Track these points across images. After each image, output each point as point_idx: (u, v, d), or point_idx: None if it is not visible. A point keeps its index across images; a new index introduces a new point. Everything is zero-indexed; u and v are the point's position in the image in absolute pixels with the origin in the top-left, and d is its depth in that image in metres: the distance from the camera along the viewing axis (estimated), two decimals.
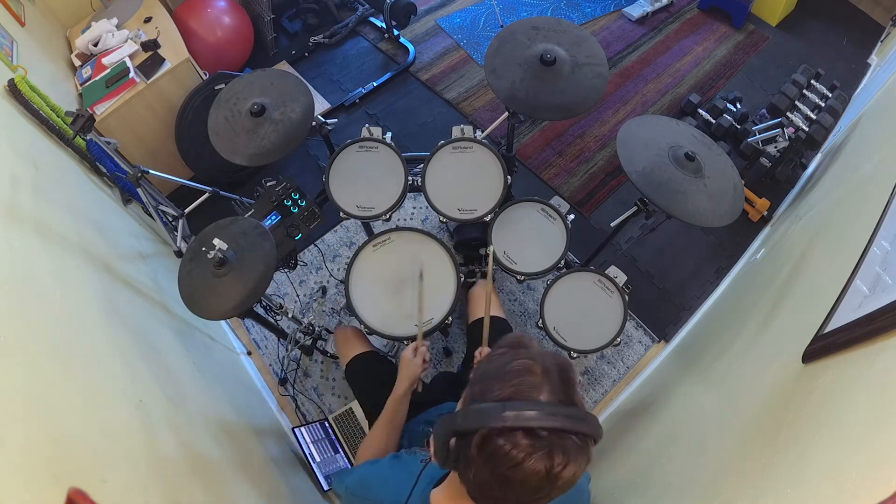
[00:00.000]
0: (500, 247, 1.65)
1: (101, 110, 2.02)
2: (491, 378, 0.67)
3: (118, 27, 2.26)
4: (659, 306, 2.24)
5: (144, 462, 0.95)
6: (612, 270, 1.61)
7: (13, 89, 1.53)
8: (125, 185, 1.91)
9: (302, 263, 2.31)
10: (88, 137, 1.59)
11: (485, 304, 1.27)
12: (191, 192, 1.96)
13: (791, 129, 2.50)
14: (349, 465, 1.82)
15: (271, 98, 1.57)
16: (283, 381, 2.04)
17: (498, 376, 0.67)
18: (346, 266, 1.53)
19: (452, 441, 0.66)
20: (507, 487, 0.62)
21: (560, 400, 0.64)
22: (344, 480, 0.94)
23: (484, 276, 1.69)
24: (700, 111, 2.74)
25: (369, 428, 1.46)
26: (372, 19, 3.23)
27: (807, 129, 2.45)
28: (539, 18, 1.62)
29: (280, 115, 1.55)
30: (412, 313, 1.48)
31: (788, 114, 2.58)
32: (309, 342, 1.95)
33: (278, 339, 2.04)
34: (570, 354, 1.51)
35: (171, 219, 2.00)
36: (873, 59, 3.06)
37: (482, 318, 1.48)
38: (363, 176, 1.67)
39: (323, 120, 1.80)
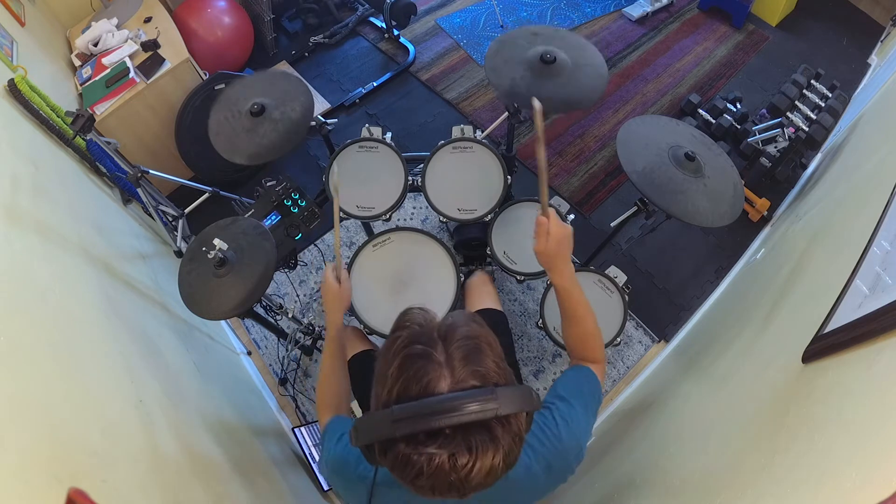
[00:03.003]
0: (500, 247, 1.65)
1: (101, 110, 2.02)
2: (380, 374, 0.61)
3: (118, 27, 2.26)
4: (659, 306, 2.24)
5: (144, 462, 0.95)
6: (612, 270, 1.61)
7: (13, 89, 1.53)
8: (125, 185, 1.91)
9: (302, 263, 2.31)
10: (88, 137, 1.59)
11: (538, 153, 0.96)
12: (191, 192, 1.96)
13: (791, 129, 2.50)
14: None
15: (271, 98, 1.57)
16: (283, 381, 2.04)
17: (383, 372, 0.61)
18: (346, 266, 1.53)
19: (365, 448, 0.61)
20: (424, 489, 0.58)
21: (467, 380, 0.58)
22: (325, 453, 0.90)
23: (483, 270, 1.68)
24: (700, 111, 2.74)
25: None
26: (372, 19, 3.23)
27: (807, 129, 2.45)
28: (538, 27, 1.63)
29: (280, 114, 1.55)
30: None
31: (788, 114, 2.58)
32: (309, 342, 1.95)
33: (278, 339, 2.05)
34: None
35: (171, 219, 2.00)
36: (873, 59, 3.06)
37: (479, 311, 1.49)
38: (363, 176, 1.67)
39: (323, 120, 1.80)
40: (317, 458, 1.76)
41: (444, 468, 0.55)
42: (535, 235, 0.97)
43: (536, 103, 0.90)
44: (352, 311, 1.48)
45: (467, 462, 0.55)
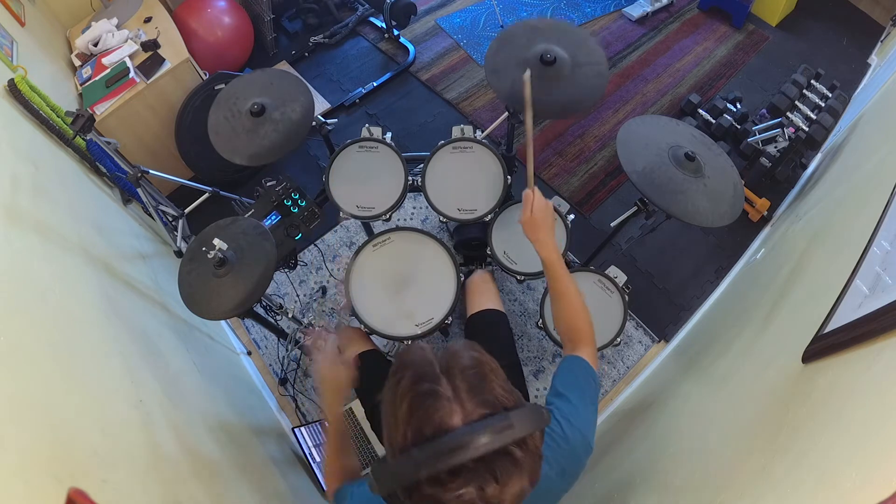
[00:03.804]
0: (500, 247, 1.65)
1: (101, 110, 2.02)
2: (390, 418, 0.60)
3: (118, 27, 2.26)
4: (659, 306, 2.24)
5: (144, 462, 0.95)
6: (612, 270, 1.61)
7: (13, 89, 1.53)
8: (125, 185, 1.91)
9: (302, 263, 2.31)
10: (88, 137, 1.59)
11: (528, 153, 1.12)
12: (191, 192, 1.96)
13: (791, 129, 2.50)
14: None
15: (271, 98, 1.57)
16: (283, 381, 2.04)
17: (393, 416, 0.60)
18: (346, 266, 1.53)
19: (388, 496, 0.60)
20: None
21: (477, 410, 0.57)
22: None
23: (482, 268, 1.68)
24: (700, 111, 2.74)
25: (371, 429, 1.46)
26: (372, 19, 3.23)
27: (807, 129, 2.45)
28: (538, 20, 1.62)
29: (280, 114, 1.55)
30: (412, 313, 1.48)
31: (788, 114, 2.58)
32: (309, 342, 1.95)
33: (278, 339, 2.05)
34: None
35: (171, 219, 2.00)
36: (873, 59, 3.06)
37: (480, 312, 1.49)
38: (363, 176, 1.67)
39: (323, 120, 1.80)
40: (317, 458, 1.76)
41: (473, 502, 0.55)
42: (523, 206, 1.08)
43: (526, 75, 1.01)
44: (352, 311, 1.48)
45: (496, 491, 0.55)
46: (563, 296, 1.04)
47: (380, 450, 1.82)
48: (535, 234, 1.07)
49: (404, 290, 1.51)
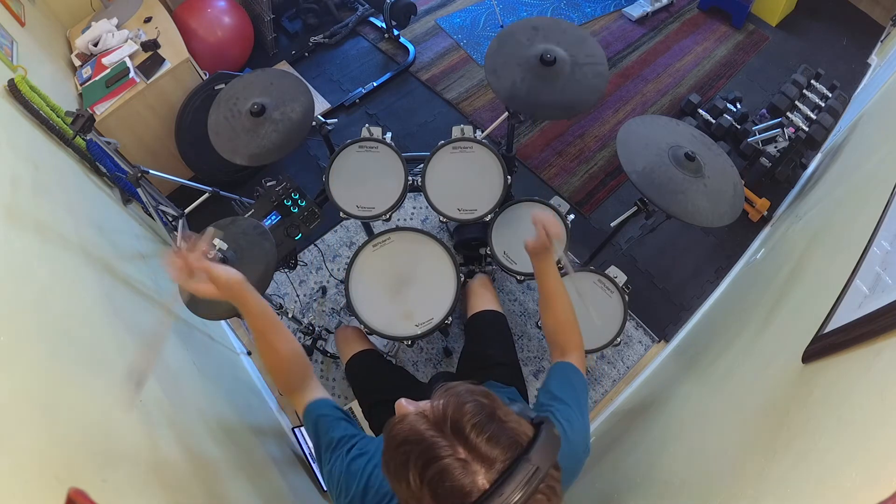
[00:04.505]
0: (500, 247, 1.65)
1: (101, 110, 2.02)
2: (412, 501, 0.57)
3: (118, 27, 2.26)
4: (659, 306, 2.24)
5: (144, 462, 0.95)
6: (612, 270, 1.61)
7: (13, 89, 1.53)
8: (125, 185, 1.91)
9: (302, 263, 2.31)
10: (88, 137, 1.59)
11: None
12: (191, 192, 1.96)
13: (791, 129, 2.50)
14: None
15: (271, 98, 1.57)
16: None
17: (419, 500, 0.56)
18: (346, 266, 1.53)
19: None
20: None
21: (501, 458, 0.55)
22: (337, 462, 0.85)
23: (483, 272, 1.68)
24: (700, 111, 2.74)
25: (370, 428, 1.45)
26: (372, 19, 3.23)
27: (807, 129, 2.45)
28: (538, 19, 1.62)
29: (280, 115, 1.55)
30: (412, 313, 1.48)
31: (788, 114, 2.58)
32: (309, 342, 1.95)
33: None
34: None
35: (171, 219, 2.00)
36: (873, 59, 3.06)
37: (479, 313, 1.49)
38: (363, 176, 1.67)
39: (323, 120, 1.80)
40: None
41: None
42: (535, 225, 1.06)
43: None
44: (351, 310, 1.48)
45: None
46: (552, 297, 1.03)
47: None
48: (540, 254, 1.06)
49: (404, 290, 1.51)
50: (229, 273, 0.84)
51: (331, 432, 0.87)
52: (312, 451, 1.75)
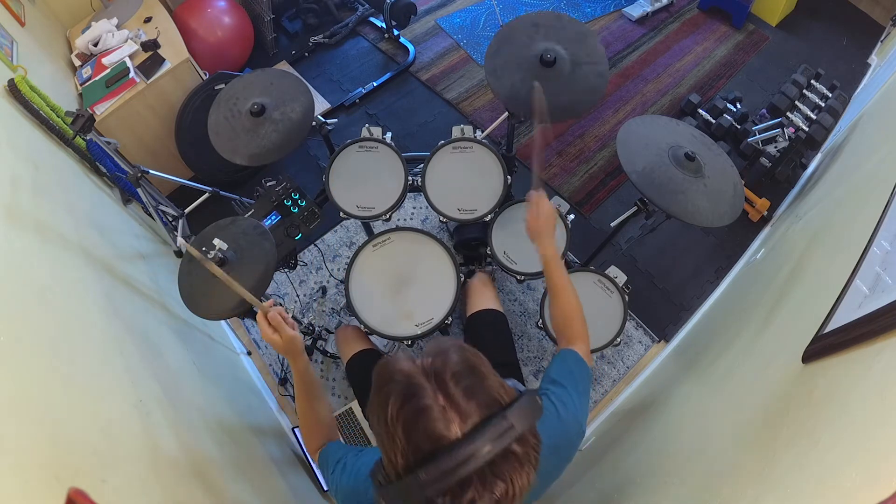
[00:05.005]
0: (500, 247, 1.65)
1: (101, 110, 2.02)
2: (386, 439, 0.58)
3: (118, 27, 2.26)
4: (659, 306, 2.24)
5: (144, 462, 0.95)
6: (612, 270, 1.61)
7: (13, 89, 1.53)
8: (125, 185, 1.91)
9: (302, 263, 2.31)
10: (88, 137, 1.59)
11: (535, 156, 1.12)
12: (191, 192, 1.96)
13: (791, 129, 2.50)
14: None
15: (271, 98, 1.57)
16: (283, 381, 2.04)
17: (389, 437, 0.57)
18: (346, 266, 1.53)
19: None
20: None
21: (476, 412, 0.56)
22: (332, 483, 0.91)
23: (483, 271, 1.68)
24: (700, 111, 2.74)
25: (370, 427, 1.46)
26: (372, 19, 3.23)
27: (807, 129, 2.45)
28: (539, 14, 1.61)
29: (280, 115, 1.55)
30: (412, 313, 1.48)
31: (788, 114, 2.58)
32: (309, 342, 1.95)
33: None
34: None
35: (171, 219, 2.00)
36: (873, 59, 3.06)
37: (479, 312, 1.49)
38: (363, 176, 1.67)
39: (323, 120, 1.80)
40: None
41: (488, 501, 0.55)
42: (527, 210, 1.11)
43: (536, 87, 1.03)
44: (351, 310, 1.48)
45: (506, 490, 0.55)
46: (560, 292, 1.06)
47: None
48: (540, 235, 1.10)
49: (404, 290, 1.51)
50: (295, 332, 1.00)
51: (339, 452, 0.94)
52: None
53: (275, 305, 1.01)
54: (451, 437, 0.55)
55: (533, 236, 1.11)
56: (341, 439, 1.09)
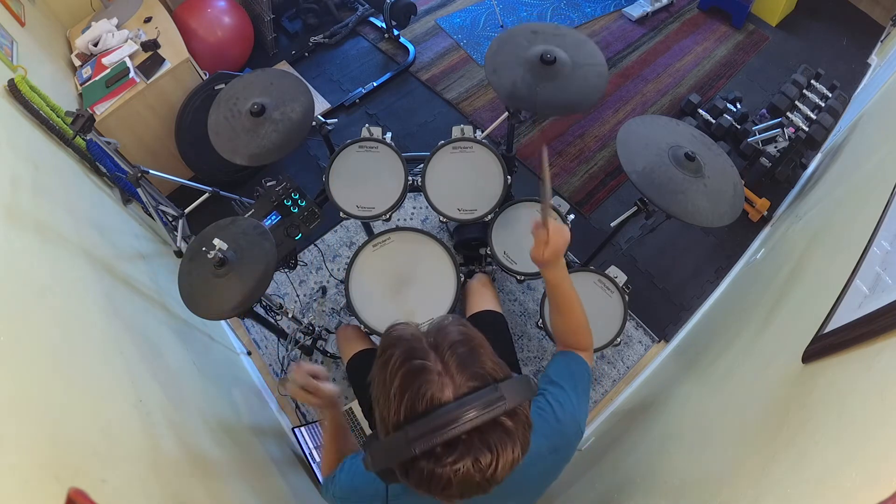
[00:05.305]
0: (500, 247, 1.65)
1: (101, 110, 2.02)
2: (382, 396, 0.61)
3: (118, 27, 2.26)
4: (659, 306, 2.24)
5: (144, 462, 0.95)
6: (612, 270, 1.61)
7: (13, 89, 1.53)
8: (125, 185, 1.91)
9: (302, 263, 2.31)
10: (88, 137, 1.59)
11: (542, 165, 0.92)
12: (191, 192, 1.96)
13: (791, 129, 2.50)
14: None
15: (271, 98, 1.57)
16: (283, 381, 2.04)
17: (385, 394, 0.60)
18: (346, 266, 1.53)
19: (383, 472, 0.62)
20: (452, 496, 0.59)
21: (468, 383, 0.58)
22: (330, 489, 0.92)
23: (483, 271, 1.68)
24: (700, 111, 2.74)
25: (369, 427, 1.46)
26: (372, 19, 3.23)
27: (807, 129, 2.45)
28: (538, 24, 1.62)
29: (280, 115, 1.55)
30: (412, 313, 1.48)
31: (788, 114, 2.58)
32: (309, 342, 1.95)
33: (278, 339, 2.04)
34: None
35: (171, 219, 2.00)
36: (873, 59, 3.06)
37: (478, 313, 1.49)
38: (363, 176, 1.67)
39: (323, 120, 1.80)
40: (317, 458, 1.76)
41: (469, 473, 0.56)
42: (534, 235, 0.95)
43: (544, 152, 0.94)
44: (351, 310, 1.48)
45: (490, 461, 0.56)
46: (568, 312, 0.98)
47: None
48: (545, 265, 0.95)
49: (404, 290, 1.51)
50: (332, 386, 0.98)
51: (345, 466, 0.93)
52: (313, 451, 1.76)
53: (297, 365, 0.96)
54: (444, 400, 0.57)
55: (539, 265, 0.97)
56: None
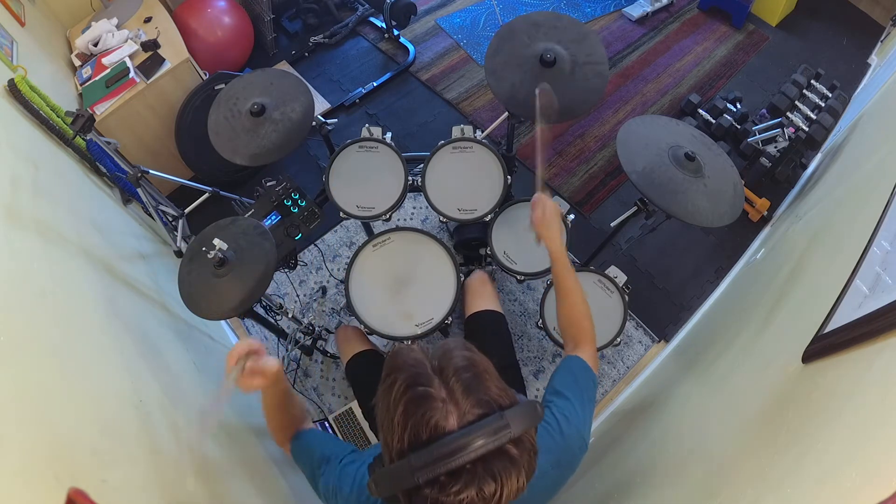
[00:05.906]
0: (501, 247, 1.65)
1: (101, 110, 2.02)
2: (386, 423, 0.60)
3: (118, 27, 2.26)
4: (659, 306, 2.24)
5: (144, 462, 0.95)
6: (612, 270, 1.61)
7: (13, 89, 1.53)
8: (125, 185, 1.91)
9: (302, 263, 2.31)
10: (88, 137, 1.59)
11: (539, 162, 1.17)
12: (191, 192, 1.96)
13: (791, 129, 2.50)
14: None
15: (271, 98, 1.57)
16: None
17: (388, 421, 0.59)
18: (346, 266, 1.53)
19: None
20: None
21: (473, 410, 0.57)
22: (325, 478, 0.89)
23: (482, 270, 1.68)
24: (700, 111, 2.74)
25: (369, 428, 1.46)
26: (372, 19, 3.23)
27: (807, 129, 2.45)
28: (539, 14, 1.60)
29: (280, 115, 1.55)
30: (412, 313, 1.48)
31: (788, 114, 2.58)
32: (309, 342, 1.95)
33: (278, 339, 2.04)
34: None
35: (171, 219, 2.00)
36: (873, 59, 3.06)
37: (478, 313, 1.49)
38: (363, 176, 1.67)
39: (323, 120, 1.80)
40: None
41: (474, 502, 0.55)
42: (532, 207, 1.14)
43: (539, 88, 1.05)
44: (351, 310, 1.48)
45: (495, 490, 0.55)
46: (568, 294, 1.06)
47: None
48: (546, 231, 1.10)
49: (404, 290, 1.51)
50: (274, 361, 0.90)
51: (324, 448, 0.92)
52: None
53: (230, 351, 0.87)
54: (448, 429, 0.56)
55: (540, 231, 1.11)
56: (312, 424, 1.04)
